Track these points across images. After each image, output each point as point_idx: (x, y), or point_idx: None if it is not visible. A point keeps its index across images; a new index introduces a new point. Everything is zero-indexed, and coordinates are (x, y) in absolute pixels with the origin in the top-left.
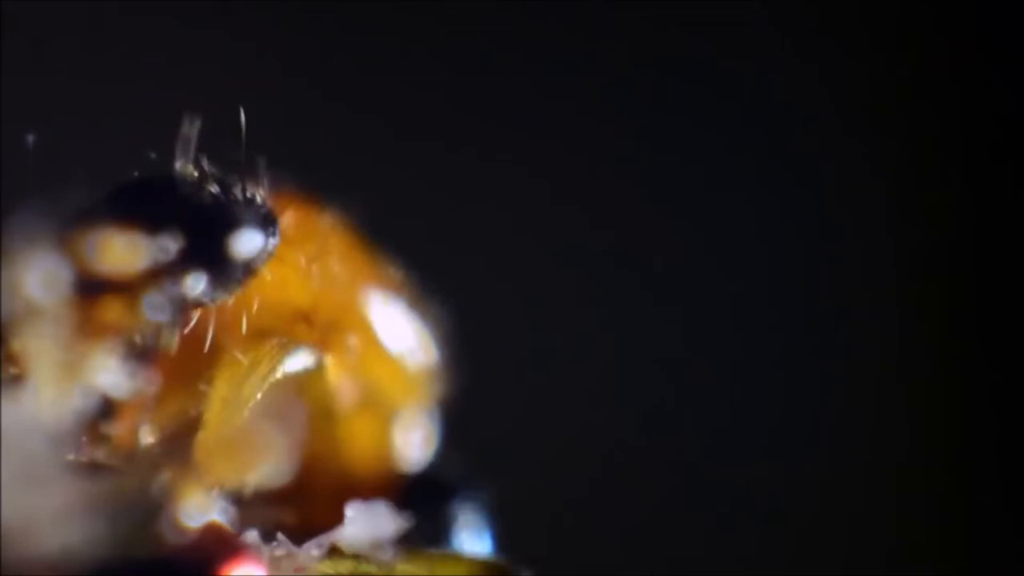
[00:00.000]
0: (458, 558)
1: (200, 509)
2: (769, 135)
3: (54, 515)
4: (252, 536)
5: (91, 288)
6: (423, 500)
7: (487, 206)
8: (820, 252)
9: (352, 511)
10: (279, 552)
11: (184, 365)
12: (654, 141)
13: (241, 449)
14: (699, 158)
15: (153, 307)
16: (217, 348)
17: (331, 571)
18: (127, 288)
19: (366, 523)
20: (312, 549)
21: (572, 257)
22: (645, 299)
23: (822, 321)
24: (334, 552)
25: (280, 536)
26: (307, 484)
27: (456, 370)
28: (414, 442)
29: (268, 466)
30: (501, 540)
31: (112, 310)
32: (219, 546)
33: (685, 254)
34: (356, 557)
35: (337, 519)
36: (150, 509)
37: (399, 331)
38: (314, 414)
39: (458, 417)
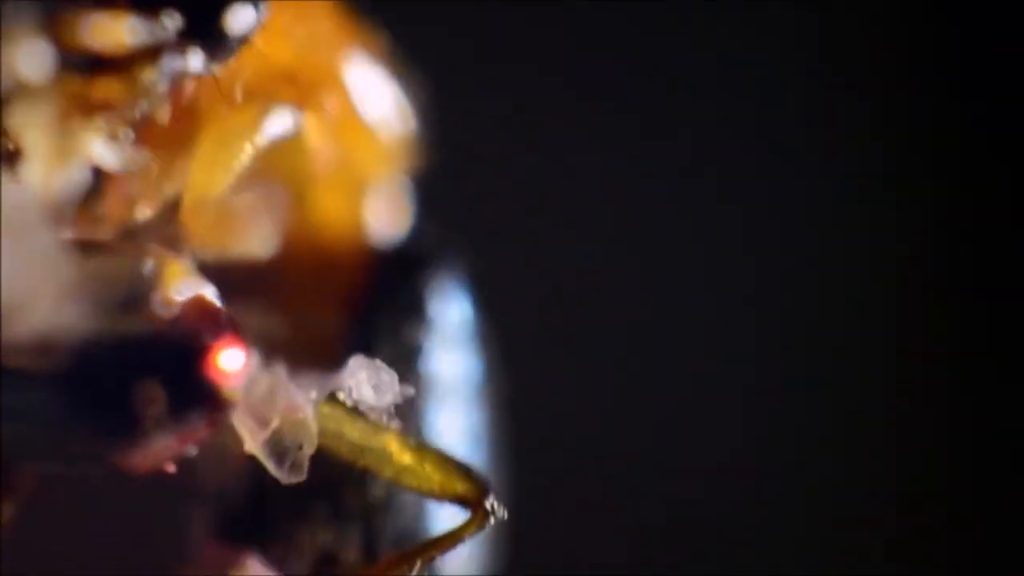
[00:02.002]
0: (447, 463)
1: (187, 284)
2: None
3: (48, 290)
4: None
5: (85, 66)
6: (398, 273)
7: None
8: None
9: (356, 362)
10: (276, 382)
11: (177, 138)
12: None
13: (227, 214)
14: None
15: (149, 83)
16: (209, 119)
17: (323, 419)
18: (122, 65)
19: (368, 377)
20: (310, 390)
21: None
22: None
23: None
24: (331, 400)
25: (279, 367)
26: (281, 259)
27: (432, 143)
28: (386, 214)
29: (253, 235)
30: (478, 307)
31: (107, 87)
32: (207, 322)
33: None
34: (352, 411)
35: (313, 302)
36: (141, 285)
37: (377, 98)
38: (290, 182)
39: (433, 190)
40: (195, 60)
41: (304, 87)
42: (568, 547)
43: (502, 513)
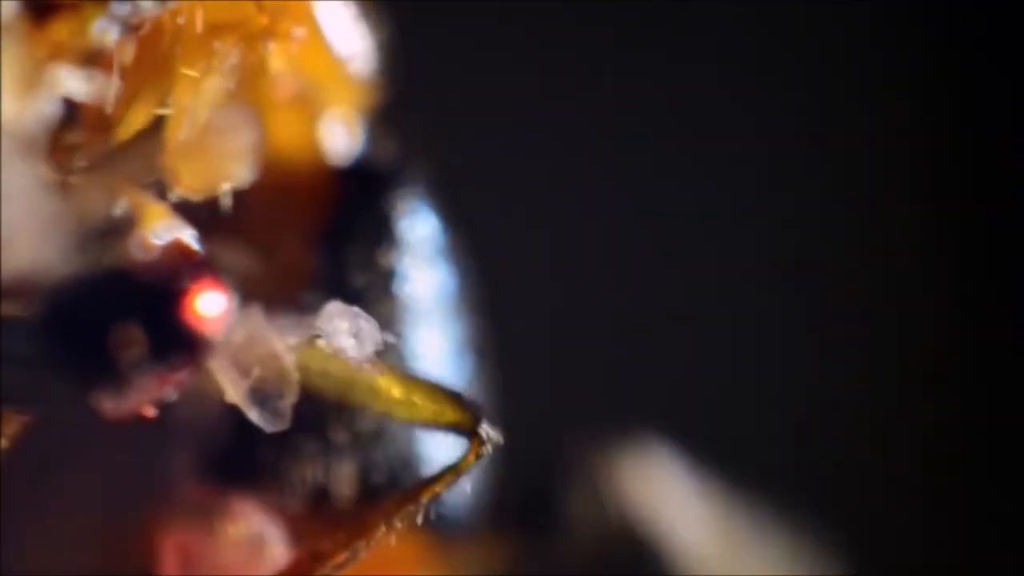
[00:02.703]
0: (437, 392)
1: (166, 227)
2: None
3: (28, 227)
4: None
5: (44, 7)
6: (363, 195)
7: None
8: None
9: (335, 307)
10: (255, 329)
11: (144, 69)
12: None
13: (208, 152)
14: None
15: (108, 20)
16: (175, 47)
17: (307, 358)
18: (73, 8)
19: (348, 327)
20: (289, 336)
21: None
22: None
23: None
24: (310, 344)
25: (257, 313)
26: (245, 190)
27: (392, 78)
28: (340, 137)
29: (237, 162)
30: (448, 222)
31: (62, 29)
32: (187, 266)
33: None
34: (332, 354)
35: (281, 232)
36: (117, 226)
37: (343, 30)
38: (252, 107)
39: (395, 108)
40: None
41: (272, 13)
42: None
43: (497, 438)
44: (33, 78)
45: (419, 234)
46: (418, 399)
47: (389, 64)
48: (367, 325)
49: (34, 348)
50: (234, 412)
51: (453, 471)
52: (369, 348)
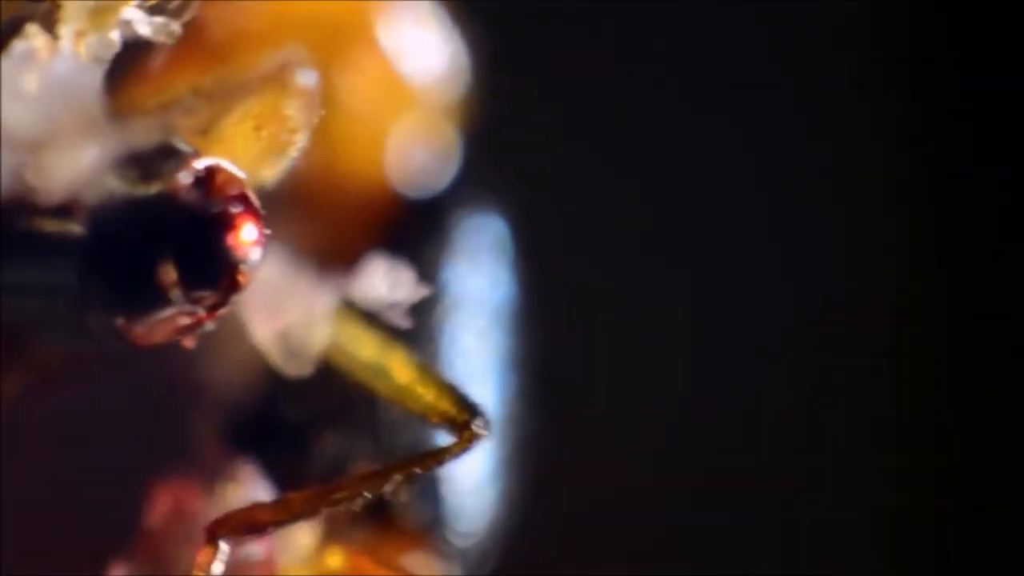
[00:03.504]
0: (442, 385)
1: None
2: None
3: (77, 130)
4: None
5: None
6: (425, 213)
7: None
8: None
9: (373, 260)
10: (292, 273)
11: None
12: None
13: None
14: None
15: None
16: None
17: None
18: None
19: (385, 274)
20: (327, 291)
21: None
22: None
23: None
24: (346, 308)
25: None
26: (304, 195)
27: (483, 100)
28: (416, 162)
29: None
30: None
31: None
32: (225, 192)
33: None
34: (365, 320)
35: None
36: (165, 151)
37: (415, 51)
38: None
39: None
40: None
41: (328, 35)
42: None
43: (488, 436)
44: (101, 10)
45: (478, 241)
46: (421, 388)
47: (474, 88)
48: (403, 274)
49: (74, 270)
50: (260, 377)
51: (435, 456)
52: (402, 295)
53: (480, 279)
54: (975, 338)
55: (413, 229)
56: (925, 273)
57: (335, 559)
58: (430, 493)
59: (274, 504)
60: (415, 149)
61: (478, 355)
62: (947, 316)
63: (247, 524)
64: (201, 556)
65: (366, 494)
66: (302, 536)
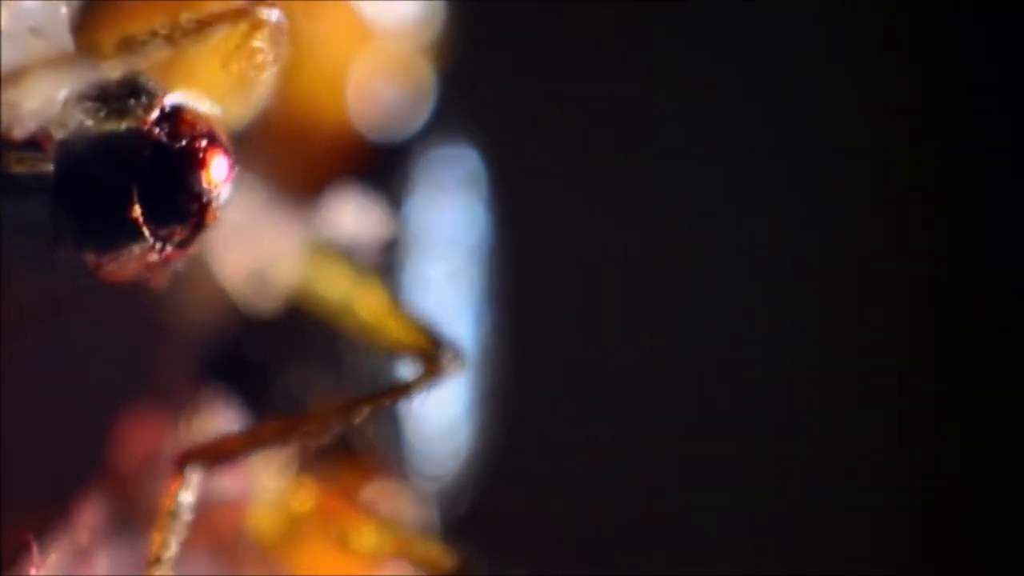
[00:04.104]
0: (410, 320)
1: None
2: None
3: (48, 69)
4: None
5: None
6: (398, 164)
7: None
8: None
9: (343, 195)
10: (261, 208)
11: None
12: None
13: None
14: None
15: None
16: None
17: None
18: None
19: (354, 208)
20: (296, 226)
21: None
22: None
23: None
24: (314, 244)
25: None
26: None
27: (458, 38)
28: (385, 101)
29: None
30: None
31: None
32: (193, 127)
33: None
34: (333, 255)
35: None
36: (134, 87)
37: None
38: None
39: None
40: None
41: None
42: (564, 412)
43: (458, 370)
44: None
45: (451, 178)
46: (389, 322)
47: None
48: (373, 209)
49: (45, 207)
50: (228, 315)
51: (403, 389)
52: (371, 230)
53: (455, 215)
54: (986, 337)
55: (385, 166)
56: (933, 273)
57: (305, 503)
58: (404, 429)
59: (243, 435)
60: (385, 87)
61: (453, 291)
62: (961, 314)
63: (216, 454)
64: (170, 486)
65: (334, 425)
66: (271, 480)
